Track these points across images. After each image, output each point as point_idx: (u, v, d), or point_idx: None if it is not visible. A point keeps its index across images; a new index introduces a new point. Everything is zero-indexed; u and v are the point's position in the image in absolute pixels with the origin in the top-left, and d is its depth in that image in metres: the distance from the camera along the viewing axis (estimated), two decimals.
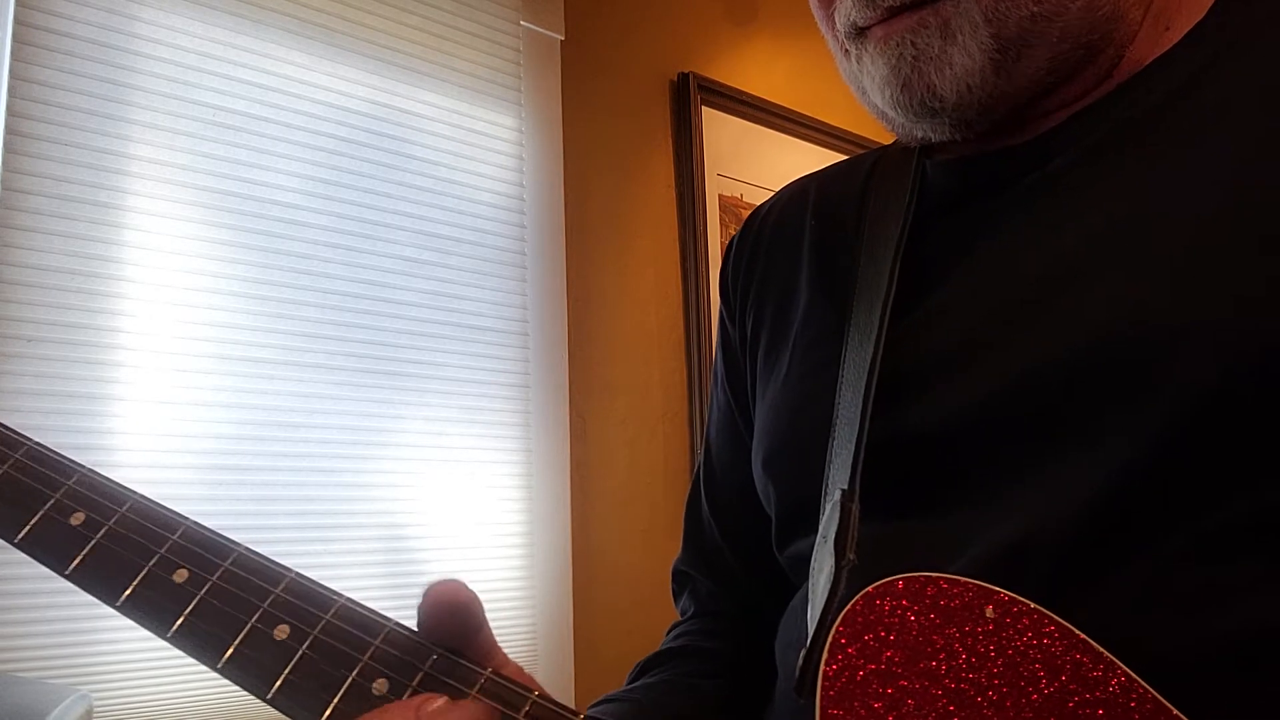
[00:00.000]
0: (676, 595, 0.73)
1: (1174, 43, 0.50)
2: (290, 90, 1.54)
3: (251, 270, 1.46)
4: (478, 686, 0.41)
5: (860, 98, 0.56)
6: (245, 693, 0.41)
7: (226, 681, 0.42)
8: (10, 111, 1.27)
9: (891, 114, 0.54)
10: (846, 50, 0.55)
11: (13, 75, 1.28)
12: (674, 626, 0.71)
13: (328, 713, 0.40)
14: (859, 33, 0.53)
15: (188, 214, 1.41)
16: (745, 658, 0.64)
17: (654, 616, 1.76)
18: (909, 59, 0.50)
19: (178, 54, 1.43)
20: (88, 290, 1.31)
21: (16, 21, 1.29)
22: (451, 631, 0.43)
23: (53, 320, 1.28)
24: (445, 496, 1.60)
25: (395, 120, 1.65)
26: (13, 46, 1.28)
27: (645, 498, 1.89)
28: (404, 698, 0.41)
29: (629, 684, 0.64)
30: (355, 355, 1.54)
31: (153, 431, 1.34)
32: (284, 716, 0.42)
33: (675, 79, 2.11)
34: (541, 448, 1.74)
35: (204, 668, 0.43)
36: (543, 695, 0.42)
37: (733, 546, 0.69)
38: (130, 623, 0.44)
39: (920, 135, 0.55)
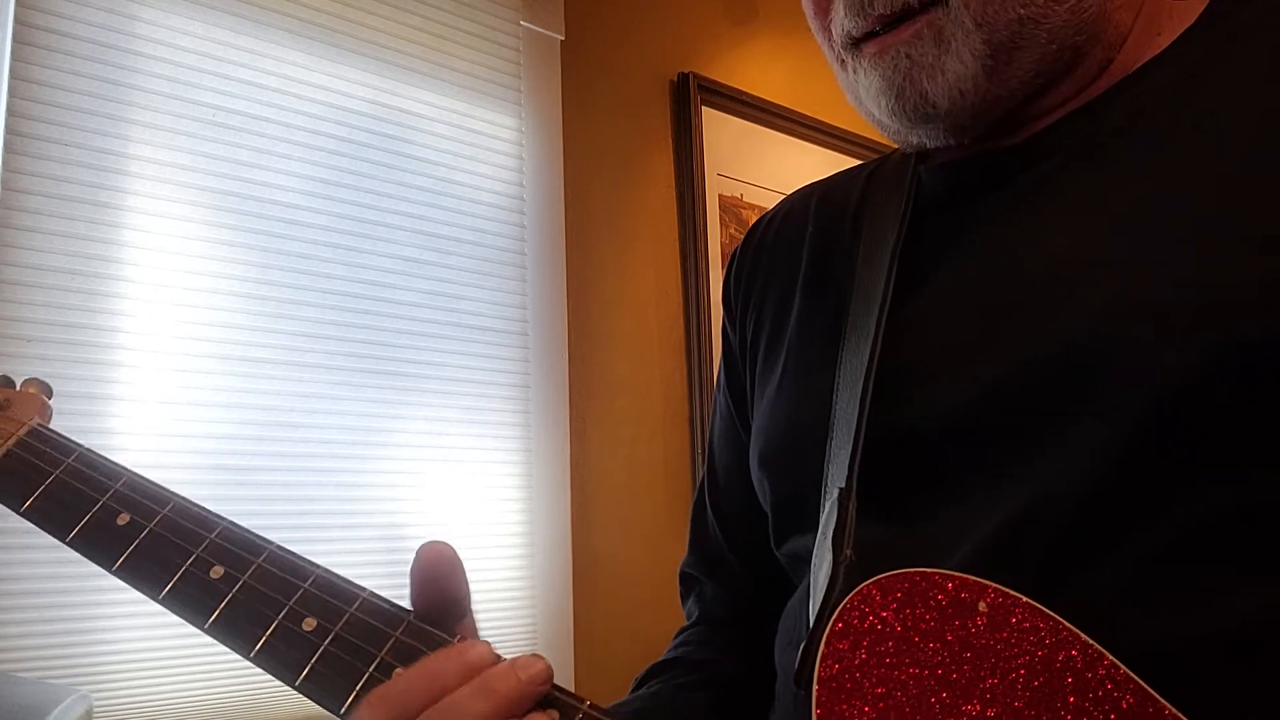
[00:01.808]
0: (683, 598, 0.75)
1: (1164, 47, 0.51)
2: (290, 90, 1.54)
3: (251, 270, 1.46)
4: None
5: (857, 107, 0.58)
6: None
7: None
8: (10, 111, 1.27)
9: (888, 122, 0.55)
10: (843, 61, 0.56)
11: (13, 75, 1.28)
12: (680, 632, 0.72)
13: (349, 700, 0.43)
14: (854, 44, 0.54)
15: (188, 214, 1.42)
16: (743, 664, 0.65)
17: (654, 616, 1.76)
18: (903, 69, 0.51)
19: (178, 54, 1.43)
20: (88, 290, 1.31)
21: (16, 21, 1.29)
22: (442, 595, 0.45)
23: (53, 320, 1.28)
24: (445, 496, 1.60)
25: (395, 120, 1.65)
26: (13, 46, 1.28)
27: (645, 498, 1.89)
28: None
29: (630, 693, 0.66)
30: (355, 355, 1.54)
31: (153, 431, 1.34)
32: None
33: (675, 79, 2.11)
34: (541, 448, 1.74)
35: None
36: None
37: (735, 550, 0.70)
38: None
39: (916, 141, 0.56)
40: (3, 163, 1.26)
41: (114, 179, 1.35)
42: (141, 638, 1.26)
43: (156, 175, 1.39)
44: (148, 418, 1.34)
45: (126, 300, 1.34)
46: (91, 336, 1.31)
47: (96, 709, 1.14)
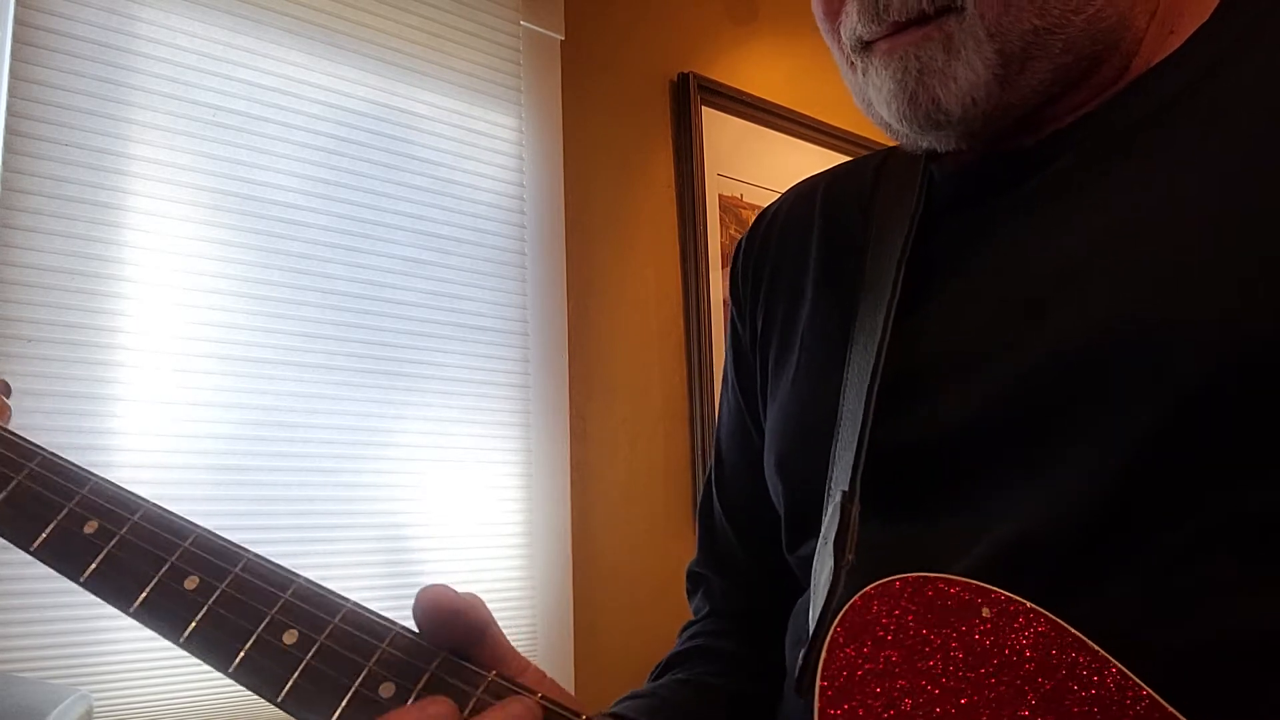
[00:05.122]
0: (690, 594, 0.74)
1: (1177, 46, 0.51)
2: (290, 90, 1.54)
3: (251, 270, 1.46)
4: (482, 688, 0.41)
5: (865, 110, 0.57)
6: (246, 693, 0.42)
7: (227, 682, 0.43)
8: (10, 111, 1.27)
9: (897, 126, 0.54)
10: (852, 63, 0.55)
11: (13, 75, 1.28)
12: (687, 626, 0.71)
13: (335, 717, 0.41)
14: (864, 46, 0.53)
15: (188, 214, 1.41)
16: (756, 658, 0.64)
17: (654, 616, 1.76)
18: (914, 72, 0.50)
19: (178, 54, 1.43)
20: (88, 290, 1.31)
21: (16, 21, 1.29)
22: (454, 634, 0.43)
23: (53, 320, 1.28)
24: (445, 496, 1.60)
25: (395, 120, 1.65)
26: (13, 46, 1.28)
27: (645, 498, 1.89)
28: (409, 702, 0.41)
29: (650, 681, 0.64)
30: (355, 355, 1.54)
31: (153, 431, 1.34)
32: (281, 714, 0.42)
33: (675, 79, 2.11)
34: (541, 448, 1.74)
35: (205, 668, 0.43)
36: (547, 697, 0.42)
37: (746, 547, 0.69)
38: (131, 623, 0.44)
39: (926, 146, 0.55)
40: (3, 163, 1.25)
41: (114, 179, 1.35)
42: (141, 638, 1.26)
43: (156, 175, 1.39)
44: (148, 418, 1.33)
45: (126, 300, 1.34)
46: (91, 336, 1.30)
47: (96, 709, 1.13)
